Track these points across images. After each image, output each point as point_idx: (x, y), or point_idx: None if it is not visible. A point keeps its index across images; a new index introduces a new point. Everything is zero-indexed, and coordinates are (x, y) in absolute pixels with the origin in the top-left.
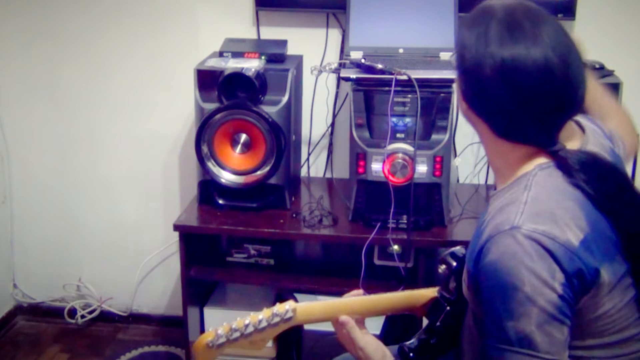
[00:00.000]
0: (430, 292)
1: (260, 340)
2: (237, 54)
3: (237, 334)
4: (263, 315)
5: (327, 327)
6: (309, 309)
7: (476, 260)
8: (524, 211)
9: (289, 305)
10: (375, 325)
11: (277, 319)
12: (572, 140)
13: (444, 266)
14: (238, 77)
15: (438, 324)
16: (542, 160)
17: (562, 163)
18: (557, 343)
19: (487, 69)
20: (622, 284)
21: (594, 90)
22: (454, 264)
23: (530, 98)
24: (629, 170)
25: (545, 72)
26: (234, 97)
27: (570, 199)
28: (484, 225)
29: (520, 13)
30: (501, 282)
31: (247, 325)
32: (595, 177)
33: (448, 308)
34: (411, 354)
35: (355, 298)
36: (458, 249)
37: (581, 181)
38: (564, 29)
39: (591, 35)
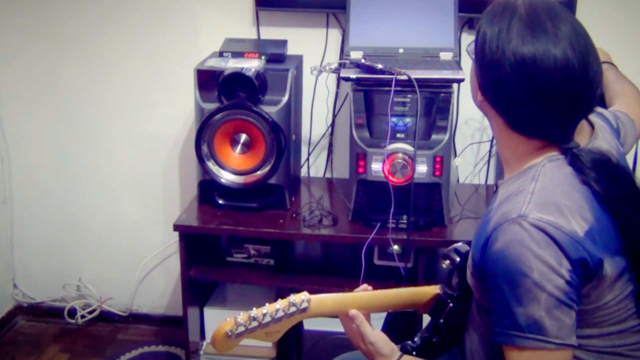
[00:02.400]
0: (433, 290)
1: (276, 331)
2: (237, 54)
3: (255, 323)
4: (280, 305)
5: (327, 327)
6: (322, 300)
7: (483, 248)
8: (531, 200)
9: (304, 295)
10: (374, 325)
11: (293, 309)
12: (580, 136)
13: (447, 261)
14: (238, 77)
15: (441, 321)
16: (551, 153)
17: (575, 160)
18: (566, 327)
19: (507, 65)
20: (623, 278)
21: (607, 74)
22: (458, 259)
23: (548, 96)
24: (630, 159)
25: (565, 71)
26: (234, 97)
27: (577, 191)
28: (491, 214)
29: (541, 10)
30: (509, 269)
31: (264, 315)
32: (606, 178)
33: (451, 305)
34: (414, 353)
35: (364, 293)
36: (461, 245)
37: (592, 180)
38: (583, 28)
39: (591, 34)
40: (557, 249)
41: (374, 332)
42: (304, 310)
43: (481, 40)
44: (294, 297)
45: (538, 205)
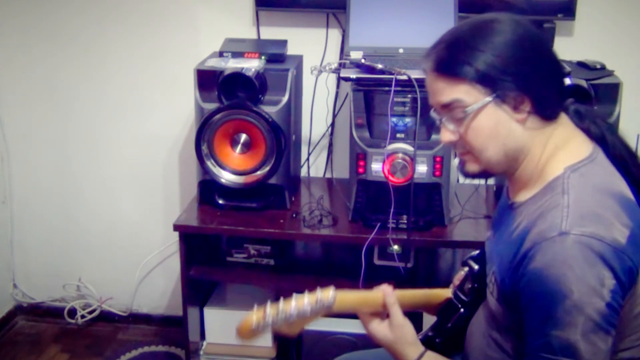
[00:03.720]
0: (446, 293)
1: (298, 324)
2: (237, 54)
3: (282, 317)
4: (308, 300)
5: (327, 327)
6: (344, 297)
7: (516, 268)
8: (569, 214)
9: (332, 292)
10: None
11: (320, 305)
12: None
13: (467, 268)
14: (238, 77)
15: (449, 325)
16: (572, 160)
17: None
18: (601, 353)
19: (524, 47)
20: None
21: None
22: (476, 267)
23: (546, 50)
24: None
25: (535, 33)
26: (234, 97)
27: (609, 197)
28: (519, 234)
29: (466, 27)
30: (548, 290)
31: (292, 311)
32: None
33: (462, 310)
34: None
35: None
36: (477, 253)
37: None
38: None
39: (591, 35)
40: (602, 267)
41: (403, 315)
42: (329, 306)
43: (491, 69)
44: (322, 295)
45: (578, 218)
